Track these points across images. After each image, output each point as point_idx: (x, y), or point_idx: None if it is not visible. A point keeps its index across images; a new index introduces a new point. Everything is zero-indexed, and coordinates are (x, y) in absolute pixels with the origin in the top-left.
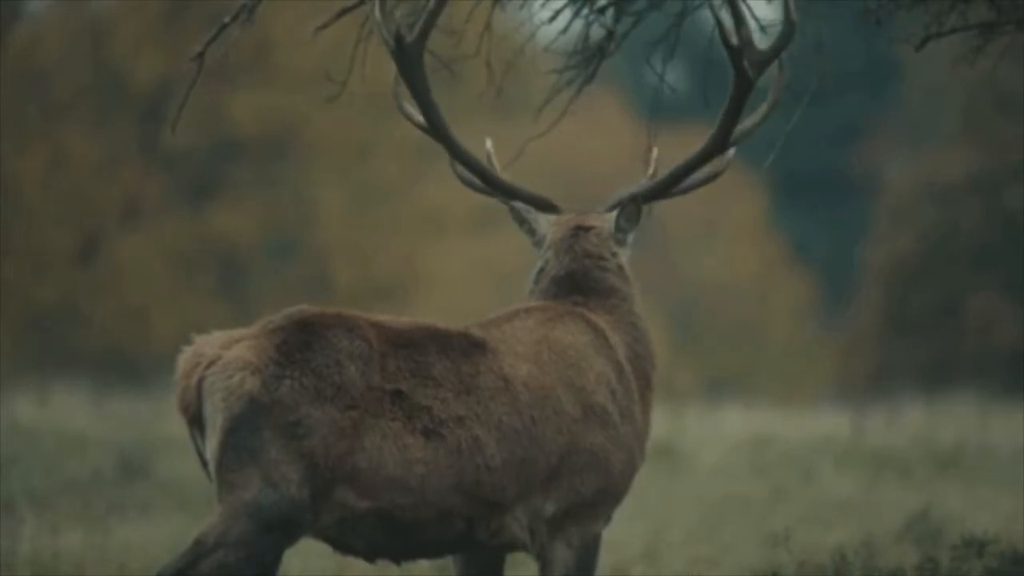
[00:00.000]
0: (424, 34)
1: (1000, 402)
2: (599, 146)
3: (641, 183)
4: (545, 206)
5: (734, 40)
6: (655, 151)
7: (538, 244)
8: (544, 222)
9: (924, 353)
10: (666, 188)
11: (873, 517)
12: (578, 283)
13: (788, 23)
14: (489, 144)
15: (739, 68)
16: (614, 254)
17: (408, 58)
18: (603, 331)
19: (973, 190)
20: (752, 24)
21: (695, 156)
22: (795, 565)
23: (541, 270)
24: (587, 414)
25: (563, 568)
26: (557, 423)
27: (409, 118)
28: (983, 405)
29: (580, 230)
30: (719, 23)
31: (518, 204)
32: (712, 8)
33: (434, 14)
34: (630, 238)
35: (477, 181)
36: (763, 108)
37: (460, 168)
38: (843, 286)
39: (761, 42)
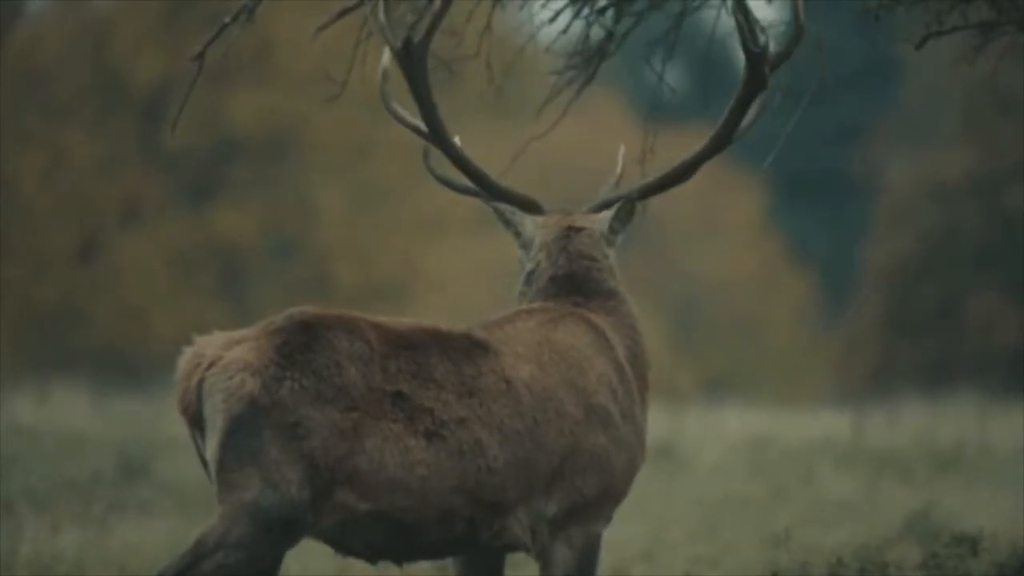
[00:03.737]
0: (430, 34)
1: (1000, 402)
2: (599, 146)
3: (633, 183)
4: (530, 207)
5: (756, 44)
6: (623, 148)
7: (525, 246)
8: (530, 223)
9: (924, 353)
10: (660, 188)
11: (873, 517)
12: (577, 284)
13: (797, 26)
14: (456, 139)
15: (758, 72)
16: (605, 255)
17: (413, 59)
18: (604, 332)
19: (973, 190)
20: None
21: (694, 156)
22: (795, 565)
23: (532, 271)
24: (589, 415)
25: (564, 568)
26: (559, 424)
27: (399, 118)
28: (983, 405)
29: (572, 231)
30: (740, 28)
31: (502, 205)
32: (734, 14)
33: (440, 15)
34: (619, 239)
35: (455, 181)
36: (755, 108)
37: (435, 167)
38: (843, 286)
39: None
